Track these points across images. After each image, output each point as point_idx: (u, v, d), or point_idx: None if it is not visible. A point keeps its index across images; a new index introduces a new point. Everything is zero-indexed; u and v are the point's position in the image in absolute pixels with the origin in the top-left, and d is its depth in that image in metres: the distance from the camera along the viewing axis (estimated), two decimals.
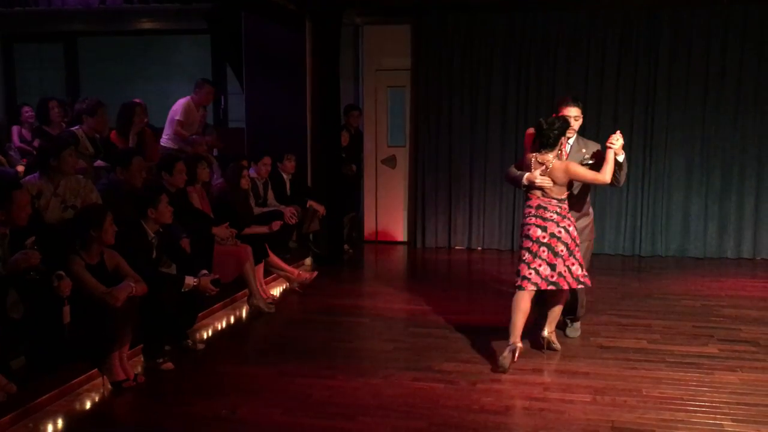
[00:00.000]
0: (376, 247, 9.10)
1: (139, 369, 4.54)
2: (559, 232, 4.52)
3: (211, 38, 9.54)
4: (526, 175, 4.59)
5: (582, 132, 8.35)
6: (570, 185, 4.70)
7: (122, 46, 10.26)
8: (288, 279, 6.72)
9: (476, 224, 8.83)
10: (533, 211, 4.60)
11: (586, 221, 5.02)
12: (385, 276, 7.93)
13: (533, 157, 4.61)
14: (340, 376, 4.47)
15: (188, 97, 7.38)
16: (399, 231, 9.25)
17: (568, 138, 4.79)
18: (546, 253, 4.53)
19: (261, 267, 6.27)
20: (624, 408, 3.93)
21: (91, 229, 4.19)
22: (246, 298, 6.06)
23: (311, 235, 7.82)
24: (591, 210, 5.11)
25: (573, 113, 4.78)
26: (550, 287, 4.57)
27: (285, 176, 7.55)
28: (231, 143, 8.22)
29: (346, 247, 8.42)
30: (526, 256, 4.57)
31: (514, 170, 4.78)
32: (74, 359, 4.18)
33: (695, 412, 3.90)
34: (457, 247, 8.88)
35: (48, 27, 9.91)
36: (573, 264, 4.57)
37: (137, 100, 6.75)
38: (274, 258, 6.50)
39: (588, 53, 8.30)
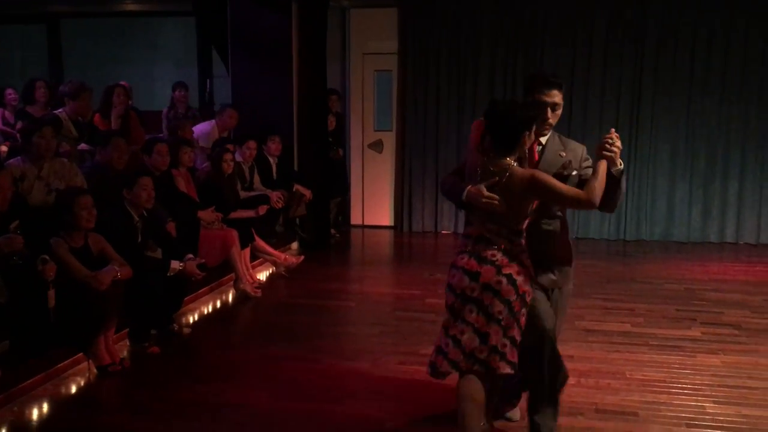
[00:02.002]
0: (363, 231, 9.10)
1: (125, 353, 4.53)
2: (498, 283, 2.93)
3: (196, 20, 9.43)
4: (468, 188, 3.01)
5: (563, 125, 8.52)
6: (535, 209, 3.07)
7: (106, 28, 10.14)
8: (274, 263, 6.72)
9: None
10: (469, 246, 3.03)
11: (565, 271, 3.29)
12: (372, 260, 7.94)
13: (481, 161, 3.03)
14: (326, 360, 4.49)
15: (212, 122, 7.33)
16: (385, 215, 9.25)
17: (542, 135, 3.19)
18: (474, 315, 2.97)
19: (247, 251, 6.25)
20: (608, 390, 3.98)
21: (68, 213, 4.16)
22: (232, 282, 6.05)
23: (297, 220, 7.81)
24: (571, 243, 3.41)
25: (551, 98, 3.14)
26: (476, 368, 2.99)
27: (271, 160, 7.52)
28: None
29: (332, 231, 8.41)
30: (446, 318, 3.09)
31: (451, 179, 3.23)
32: (59, 343, 4.16)
33: (678, 394, 3.96)
34: (443, 232, 8.90)
35: (31, 8, 9.77)
36: (509, 338, 2.99)
37: (122, 83, 6.68)
38: (260, 242, 6.49)
39: (575, 38, 8.31)
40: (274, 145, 7.49)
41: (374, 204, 9.26)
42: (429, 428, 3.55)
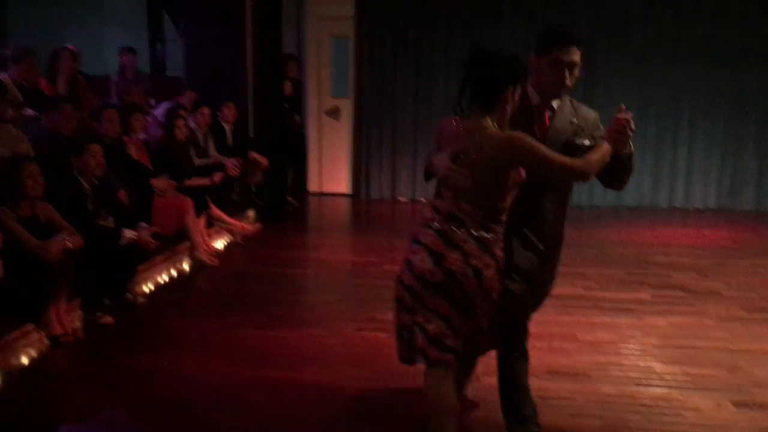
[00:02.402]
0: (320, 199, 9.07)
1: (78, 323, 4.44)
2: (464, 273, 2.58)
3: None
4: (434, 158, 2.73)
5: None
6: (522, 182, 2.63)
7: None
8: (231, 231, 6.65)
9: (420, 175, 8.83)
10: (437, 224, 2.64)
11: (549, 258, 3.00)
12: (330, 228, 7.93)
13: (453, 123, 2.65)
14: (284, 328, 4.49)
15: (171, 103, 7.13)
16: (343, 183, 9.23)
17: (556, 99, 2.85)
18: (437, 300, 2.63)
19: (203, 219, 6.18)
20: (560, 353, 4.08)
21: (14, 181, 4.03)
22: (187, 251, 5.97)
23: (254, 187, 7.73)
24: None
25: (570, 56, 2.74)
26: (445, 356, 2.68)
27: (226, 127, 7.39)
28: (169, 93, 7.97)
29: (289, 199, 8.36)
30: (402, 298, 2.74)
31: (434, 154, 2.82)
32: (9, 314, 4.06)
33: (627, 354, 4.08)
34: (401, 199, 8.93)
35: None
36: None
37: (69, 47, 6.45)
38: (215, 210, 6.41)
39: (531, 6, 8.31)
40: (228, 112, 7.35)
41: (331, 171, 9.22)
42: (387, 392, 3.59)
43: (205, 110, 6.97)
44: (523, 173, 2.61)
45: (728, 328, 4.49)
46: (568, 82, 2.78)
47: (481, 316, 2.69)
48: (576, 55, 2.77)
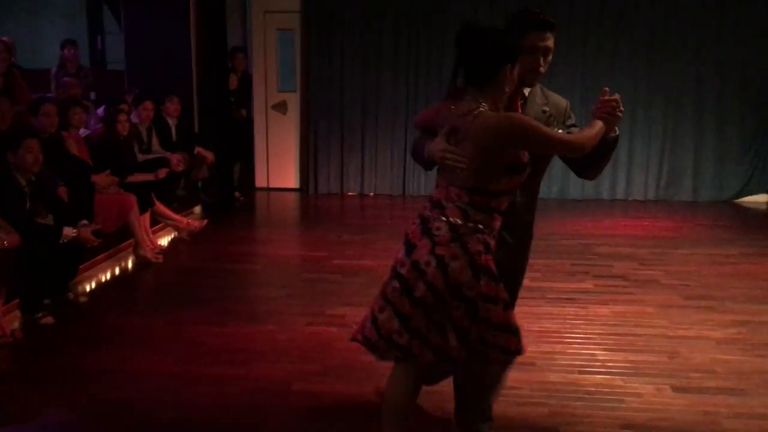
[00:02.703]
0: (268, 194, 8.99)
1: (17, 324, 4.31)
2: (427, 263, 2.42)
3: None
4: (430, 144, 2.51)
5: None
6: (515, 168, 2.46)
7: None
8: (176, 228, 6.54)
9: (368, 170, 8.88)
10: (425, 211, 2.53)
11: (521, 253, 2.94)
12: (278, 223, 7.88)
13: (446, 106, 2.48)
14: (232, 324, 4.44)
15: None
16: (291, 177, 9.17)
17: (529, 86, 2.77)
18: (398, 295, 2.50)
19: (147, 216, 6.05)
20: None
21: None
22: (132, 248, 5.85)
23: (200, 183, 7.62)
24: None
25: (545, 42, 2.67)
26: (394, 354, 2.57)
27: (170, 121, 7.25)
28: (109, 86, 7.78)
29: (236, 194, 8.26)
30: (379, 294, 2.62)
31: (420, 138, 2.73)
32: None
33: (571, 343, 4.17)
34: (349, 193, 8.92)
35: None
36: (441, 329, 2.48)
37: (3, 38, 6.22)
38: (160, 206, 6.29)
39: (477, 3, 8.39)
40: (172, 106, 7.21)
41: (279, 166, 9.15)
42: (338, 387, 3.59)
43: (148, 104, 6.83)
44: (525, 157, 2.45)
45: (667, 316, 4.64)
46: (543, 69, 2.68)
47: (455, 316, 2.44)
48: (551, 41, 2.67)
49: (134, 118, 6.68)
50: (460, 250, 2.40)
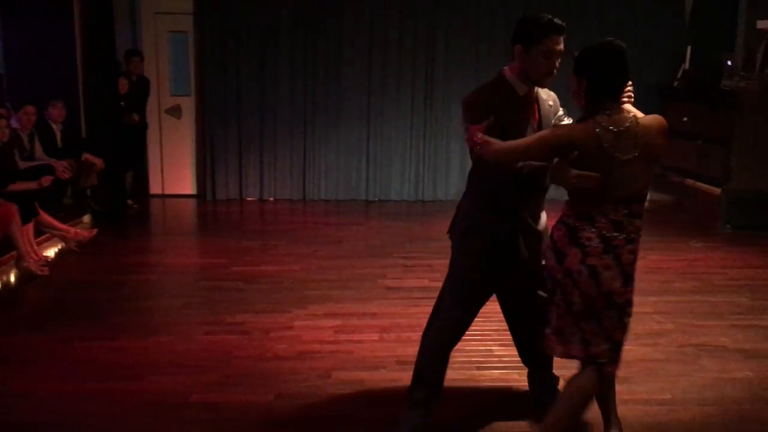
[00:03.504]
0: (164, 201, 8.71)
1: None
2: (579, 273, 2.75)
3: None
4: (552, 165, 2.70)
5: (363, 87, 8.68)
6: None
7: None
8: (63, 239, 6.22)
9: (267, 175, 8.77)
10: (616, 238, 2.70)
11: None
12: (174, 231, 7.64)
13: (598, 122, 2.61)
14: (126, 337, 4.27)
15: None
16: (187, 183, 8.92)
17: (536, 87, 2.95)
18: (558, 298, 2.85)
19: (30, 227, 5.72)
20: (408, 343, 4.19)
21: None
22: (14, 261, 5.52)
23: (89, 191, 7.28)
24: None
25: (560, 46, 2.81)
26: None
27: (54, 127, 6.90)
28: None
29: (129, 202, 7.96)
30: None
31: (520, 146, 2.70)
32: None
33: (469, 340, 4.25)
34: (248, 198, 8.78)
35: None
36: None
37: None
38: (45, 216, 5.96)
39: (373, 5, 8.47)
40: (56, 111, 6.86)
41: (175, 172, 8.88)
42: (238, 396, 3.52)
43: (30, 109, 6.47)
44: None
45: None
46: (555, 71, 2.84)
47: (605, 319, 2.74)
48: (562, 44, 2.81)
49: (14, 123, 6.32)
50: (612, 259, 2.69)
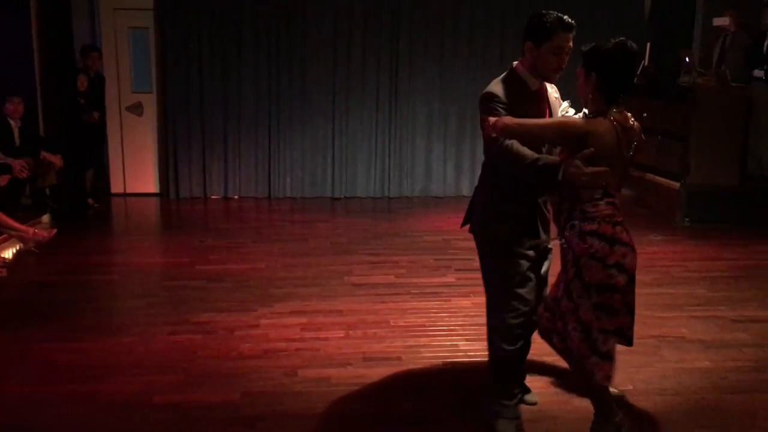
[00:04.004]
0: (125, 200, 8.57)
1: None
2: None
3: None
4: (564, 166, 2.77)
5: (328, 88, 8.62)
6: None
7: None
8: (21, 239, 6.08)
9: (232, 172, 8.69)
10: (619, 216, 2.87)
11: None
12: (137, 230, 7.52)
13: (613, 119, 2.78)
14: (87, 338, 4.19)
15: None
16: (150, 182, 8.79)
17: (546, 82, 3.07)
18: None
19: None
20: (374, 339, 4.20)
21: None
22: None
23: (48, 190, 7.13)
24: None
25: (570, 43, 2.92)
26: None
27: (12, 123, 6.74)
28: None
29: (90, 201, 7.80)
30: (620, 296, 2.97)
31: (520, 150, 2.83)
32: None
33: (435, 335, 4.31)
34: (213, 197, 8.68)
35: None
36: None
37: None
38: (2, 216, 5.82)
39: (336, 2, 8.44)
40: (12, 107, 6.71)
41: (136, 171, 8.74)
42: (203, 396, 3.49)
43: None
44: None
45: None
46: (563, 67, 2.94)
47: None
48: (572, 41, 2.91)
49: None
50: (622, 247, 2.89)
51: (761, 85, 7.39)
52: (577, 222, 2.81)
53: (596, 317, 2.83)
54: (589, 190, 2.78)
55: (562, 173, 2.74)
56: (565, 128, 2.82)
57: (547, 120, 2.95)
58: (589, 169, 2.70)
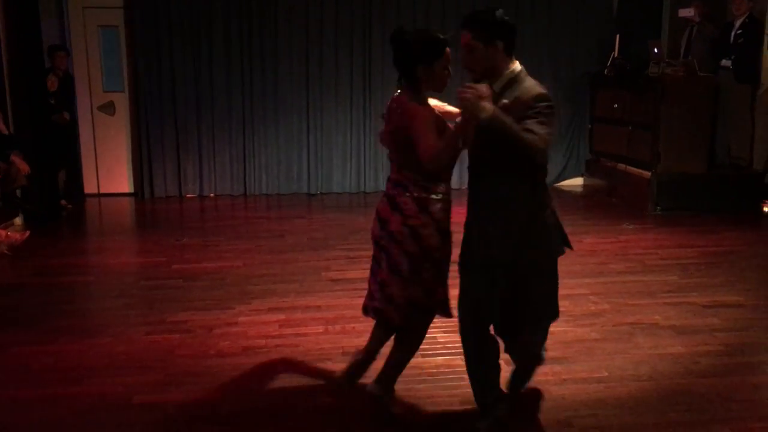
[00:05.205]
0: (99, 200, 8.49)
1: None
2: (401, 232, 3.17)
3: None
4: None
5: (301, 84, 8.58)
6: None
7: None
8: None
9: (207, 171, 8.65)
10: (389, 190, 3.21)
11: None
12: (112, 230, 7.46)
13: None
14: (63, 341, 4.16)
15: None
16: (124, 182, 8.72)
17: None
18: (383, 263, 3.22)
19: None
20: (352, 334, 4.22)
21: None
22: None
23: (19, 191, 7.02)
24: None
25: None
26: (371, 315, 3.42)
27: None
28: None
29: (63, 202, 7.72)
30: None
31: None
32: None
33: None
34: (188, 195, 8.64)
35: None
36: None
37: None
38: None
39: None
40: None
41: (110, 171, 8.67)
42: (181, 395, 3.48)
43: None
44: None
45: None
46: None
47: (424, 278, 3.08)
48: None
49: None
50: (426, 217, 3.05)
51: (728, 75, 7.53)
52: None
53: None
54: None
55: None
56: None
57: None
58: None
